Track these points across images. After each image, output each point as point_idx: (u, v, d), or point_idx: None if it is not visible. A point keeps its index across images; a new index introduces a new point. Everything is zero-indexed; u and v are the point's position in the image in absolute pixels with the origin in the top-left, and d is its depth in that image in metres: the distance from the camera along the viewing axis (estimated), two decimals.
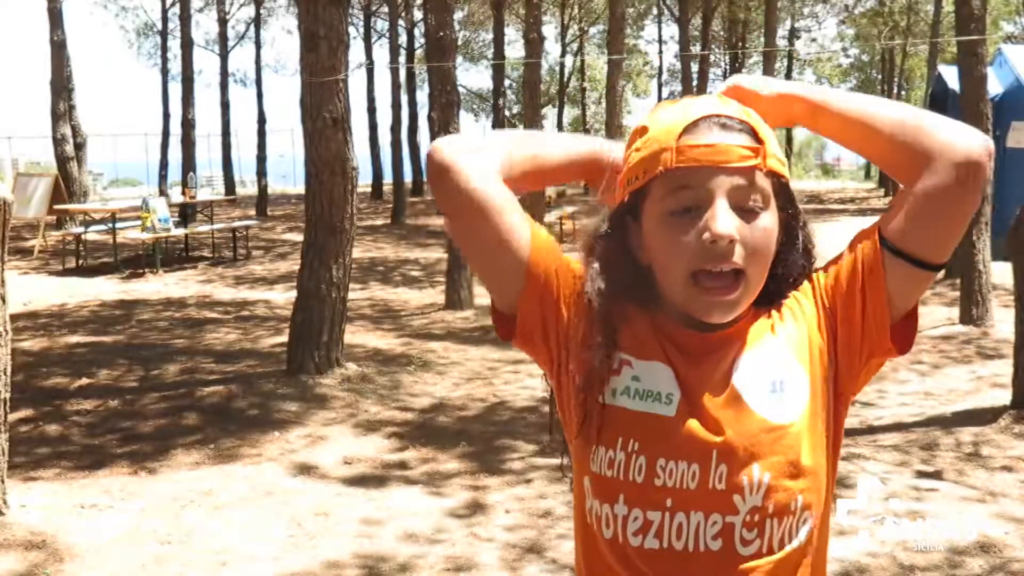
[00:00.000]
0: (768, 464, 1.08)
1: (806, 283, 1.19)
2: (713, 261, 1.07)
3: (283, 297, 10.10)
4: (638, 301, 1.19)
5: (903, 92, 30.55)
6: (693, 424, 1.10)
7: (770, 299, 1.18)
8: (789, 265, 1.18)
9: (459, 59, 26.44)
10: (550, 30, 31.21)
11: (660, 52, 33.45)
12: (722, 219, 1.06)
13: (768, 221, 1.11)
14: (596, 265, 1.20)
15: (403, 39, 26.04)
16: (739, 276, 1.09)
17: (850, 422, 3.34)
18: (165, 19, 24.99)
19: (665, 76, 35.15)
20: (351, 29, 17.39)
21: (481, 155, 1.17)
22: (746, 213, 1.09)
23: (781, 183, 1.14)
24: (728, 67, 33.55)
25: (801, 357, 1.14)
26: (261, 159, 22.47)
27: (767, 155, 1.10)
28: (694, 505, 1.09)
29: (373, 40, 27.04)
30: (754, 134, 1.11)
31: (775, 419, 1.10)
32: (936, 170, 1.06)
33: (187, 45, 21.87)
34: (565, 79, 33.32)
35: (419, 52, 26.15)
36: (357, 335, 8.07)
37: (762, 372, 1.13)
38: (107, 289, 10.96)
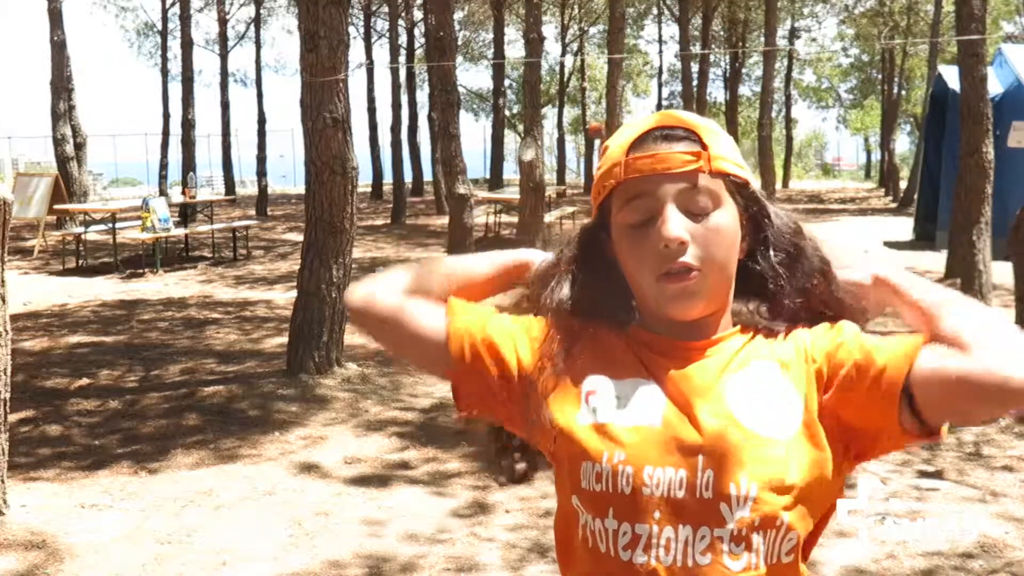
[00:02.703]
0: (755, 474, 1.09)
1: (804, 332, 1.19)
2: (670, 263, 1.13)
3: (283, 297, 10.10)
4: (615, 316, 1.22)
5: (903, 92, 30.53)
6: (679, 429, 1.12)
7: (759, 304, 1.21)
8: (769, 264, 1.20)
9: (459, 59, 26.45)
10: (550, 30, 31.20)
11: (660, 52, 33.45)
12: (671, 224, 1.12)
13: (720, 219, 1.15)
14: (566, 285, 1.24)
15: (403, 39, 26.04)
16: (697, 271, 1.13)
17: None
18: (165, 19, 24.99)
19: (665, 76, 35.15)
20: (351, 29, 17.39)
21: (383, 281, 1.32)
22: (696, 215, 1.14)
23: (736, 183, 1.18)
24: (728, 67, 33.53)
25: (798, 384, 1.15)
26: (261, 159, 22.46)
27: (712, 158, 1.15)
28: (682, 517, 1.09)
29: (373, 40, 27.02)
30: (698, 140, 1.16)
31: (763, 431, 1.11)
32: (986, 389, 1.03)
33: (187, 45, 21.87)
34: (565, 79, 33.30)
35: (419, 52, 26.15)
36: (357, 335, 8.05)
37: (754, 388, 1.14)
38: (107, 289, 10.96)
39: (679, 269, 1.12)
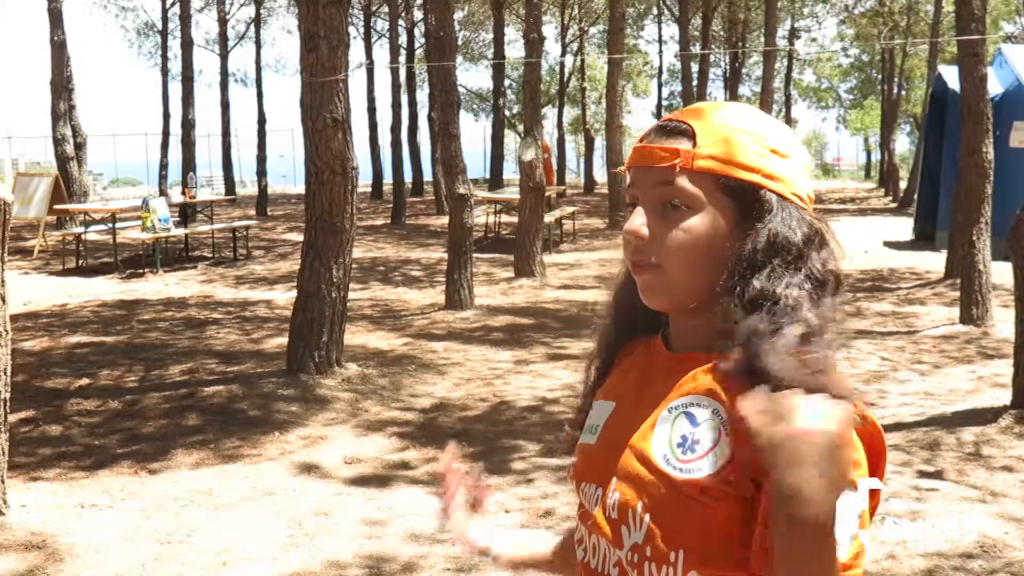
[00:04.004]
0: (651, 506, 1.09)
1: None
2: (634, 254, 1.15)
3: (284, 297, 10.10)
4: (650, 323, 1.25)
5: (903, 92, 30.52)
6: (605, 449, 1.18)
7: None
8: (770, 281, 1.09)
9: (459, 59, 26.44)
10: (550, 30, 31.18)
11: (660, 52, 33.44)
12: (633, 218, 1.14)
13: (691, 223, 1.12)
14: (609, 311, 1.32)
15: (403, 39, 26.02)
16: (656, 268, 1.14)
17: None
18: (165, 19, 24.97)
19: (665, 76, 35.14)
20: (351, 29, 17.39)
21: None
22: (671, 212, 1.13)
23: (732, 185, 1.12)
24: (728, 67, 33.53)
25: (738, 433, 1.04)
26: (261, 159, 22.46)
27: (695, 156, 1.12)
28: (599, 530, 1.16)
29: (373, 40, 27.01)
30: (692, 136, 1.14)
31: (667, 468, 1.09)
32: None
33: (187, 45, 21.86)
34: (565, 79, 33.29)
35: (419, 52, 26.14)
36: (358, 335, 8.07)
37: (683, 424, 1.11)
38: (107, 289, 10.96)
39: (639, 262, 1.15)
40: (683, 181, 1.12)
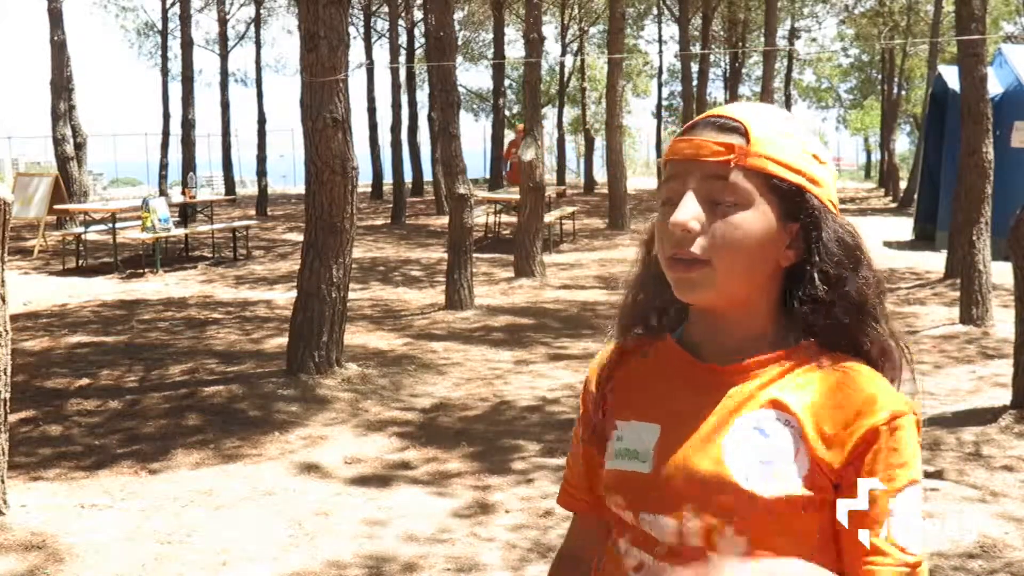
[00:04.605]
0: (743, 528, 1.10)
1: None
2: (678, 247, 1.12)
3: (284, 297, 10.10)
4: (661, 318, 1.25)
5: (903, 92, 30.50)
6: (668, 478, 1.15)
7: (798, 330, 1.16)
8: (808, 279, 1.15)
9: (459, 59, 26.44)
10: (550, 30, 31.16)
11: (660, 52, 33.39)
12: (682, 209, 1.12)
13: (743, 218, 1.12)
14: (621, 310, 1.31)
15: (403, 39, 26.01)
16: (703, 263, 1.12)
17: None
18: (165, 19, 24.95)
19: (665, 76, 35.10)
20: (351, 29, 17.37)
21: None
22: (720, 207, 1.12)
23: (780, 186, 1.13)
24: (728, 67, 33.52)
25: (810, 434, 1.11)
26: (261, 159, 22.44)
27: (749, 154, 1.12)
28: (676, 559, 1.13)
29: (373, 40, 26.98)
30: (745, 134, 1.13)
31: (754, 487, 1.10)
32: None
33: (187, 45, 21.84)
34: (565, 79, 33.26)
35: (419, 52, 26.13)
36: (358, 335, 8.07)
37: (758, 440, 1.12)
38: (107, 289, 10.96)
39: (683, 257, 1.12)
40: (737, 176, 1.12)
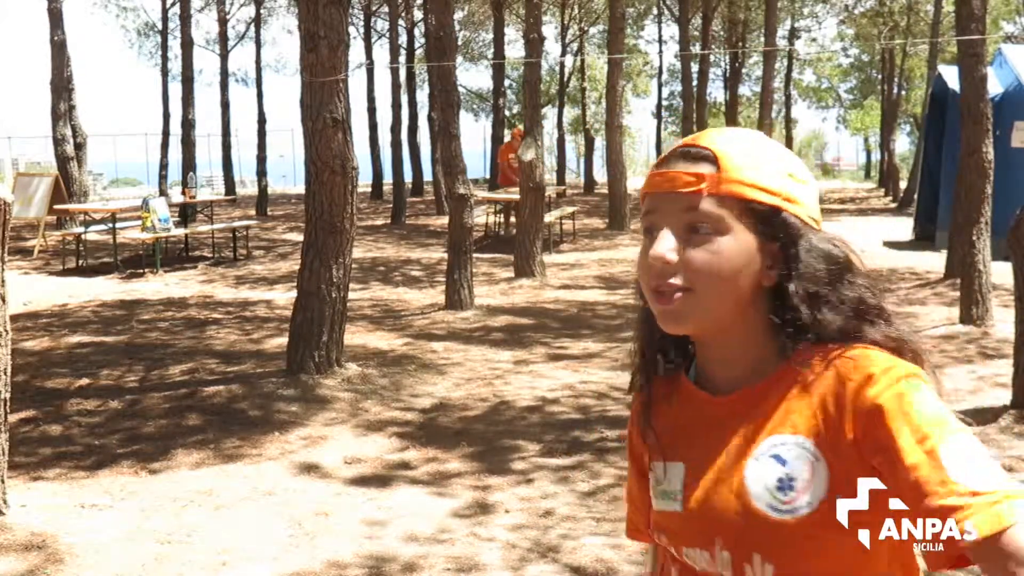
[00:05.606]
0: (770, 556, 1.11)
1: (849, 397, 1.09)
2: (659, 279, 1.14)
3: (284, 297, 10.10)
4: (667, 361, 1.27)
5: (903, 92, 30.51)
6: (697, 515, 1.18)
7: (793, 341, 1.15)
8: (795, 302, 1.14)
9: (459, 59, 26.44)
10: (550, 30, 31.16)
11: (660, 52, 33.41)
12: (659, 243, 1.14)
13: (721, 245, 1.13)
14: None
15: (403, 39, 26.01)
16: (686, 292, 1.14)
17: None
18: (165, 19, 24.97)
19: (665, 76, 35.12)
20: (351, 29, 17.38)
21: None
22: (697, 235, 1.14)
23: (756, 209, 1.14)
24: (728, 67, 33.52)
25: (825, 448, 1.11)
26: (261, 159, 22.44)
27: (721, 181, 1.14)
28: None
29: (373, 40, 26.99)
30: (715, 161, 1.15)
31: (775, 514, 1.11)
32: None
33: (187, 45, 21.85)
34: (565, 79, 33.27)
35: (419, 52, 26.14)
36: (358, 335, 8.07)
37: (775, 467, 1.13)
38: (107, 289, 10.96)
39: (665, 289, 1.14)
40: (709, 205, 1.14)
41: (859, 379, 1.09)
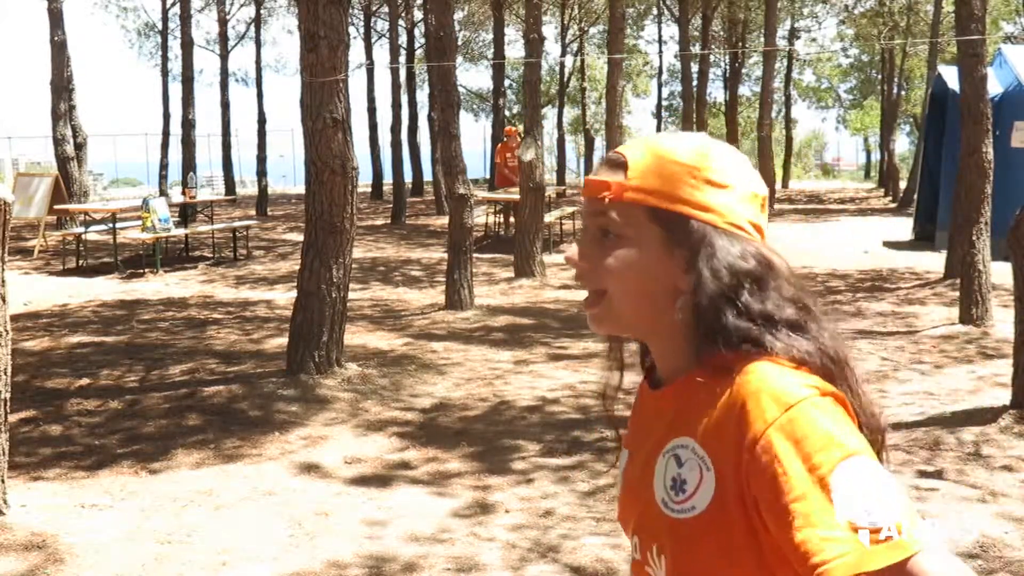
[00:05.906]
0: (664, 548, 1.15)
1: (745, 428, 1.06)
2: (579, 281, 1.21)
3: (284, 297, 10.10)
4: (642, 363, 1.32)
5: (903, 92, 30.50)
6: (627, 499, 1.27)
7: (700, 351, 1.15)
8: (704, 309, 1.13)
9: (459, 59, 26.44)
10: (550, 30, 31.17)
11: (660, 52, 33.42)
12: (571, 247, 1.21)
13: (624, 251, 1.16)
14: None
15: (403, 39, 26.02)
16: (602, 294, 1.18)
17: None
18: (165, 19, 24.98)
19: (665, 76, 35.14)
20: (351, 29, 17.37)
21: None
22: (607, 241, 1.18)
23: (659, 216, 1.15)
24: (728, 67, 33.53)
25: (716, 459, 1.10)
26: (261, 159, 22.45)
27: (626, 188, 1.16)
28: (637, 573, 1.23)
29: (373, 40, 27.01)
30: (625, 168, 1.17)
31: (668, 512, 1.14)
32: None
33: (187, 45, 21.86)
34: (565, 79, 33.29)
35: (419, 52, 26.14)
36: (358, 335, 8.07)
37: (673, 466, 1.15)
38: (107, 289, 10.96)
39: (588, 295, 1.20)
40: (615, 212, 1.18)
41: (749, 401, 1.07)
